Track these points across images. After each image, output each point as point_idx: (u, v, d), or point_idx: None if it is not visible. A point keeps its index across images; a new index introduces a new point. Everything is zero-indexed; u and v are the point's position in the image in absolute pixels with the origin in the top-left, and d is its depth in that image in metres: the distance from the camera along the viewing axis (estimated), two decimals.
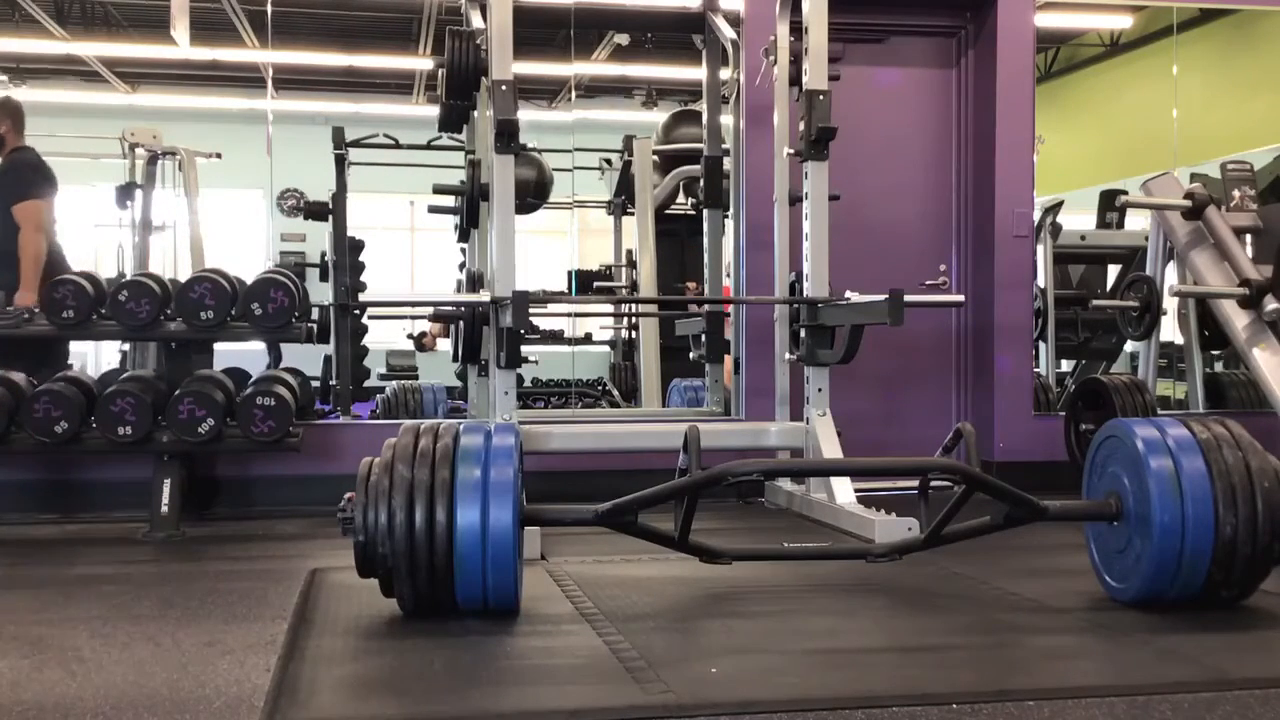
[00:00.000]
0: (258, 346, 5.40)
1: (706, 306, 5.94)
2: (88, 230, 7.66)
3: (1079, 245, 7.04)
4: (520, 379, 4.98)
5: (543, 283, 8.09)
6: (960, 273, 6.01)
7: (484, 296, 4.51)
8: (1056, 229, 6.64)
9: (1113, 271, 7.31)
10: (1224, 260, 5.22)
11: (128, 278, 4.79)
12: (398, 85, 8.60)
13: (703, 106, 5.97)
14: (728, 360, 5.78)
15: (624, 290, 7.74)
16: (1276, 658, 2.76)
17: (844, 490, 4.59)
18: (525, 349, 4.52)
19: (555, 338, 7.48)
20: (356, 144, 6.80)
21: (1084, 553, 3.38)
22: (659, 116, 7.99)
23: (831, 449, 4.68)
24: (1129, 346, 6.71)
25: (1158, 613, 3.04)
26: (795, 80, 5.05)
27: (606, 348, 8.32)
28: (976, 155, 5.95)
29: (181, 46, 6.12)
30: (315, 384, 6.26)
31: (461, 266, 6.79)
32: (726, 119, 5.82)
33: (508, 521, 2.86)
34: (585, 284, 7.94)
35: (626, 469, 4.66)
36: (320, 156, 6.71)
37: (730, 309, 5.76)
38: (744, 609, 3.25)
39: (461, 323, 5.66)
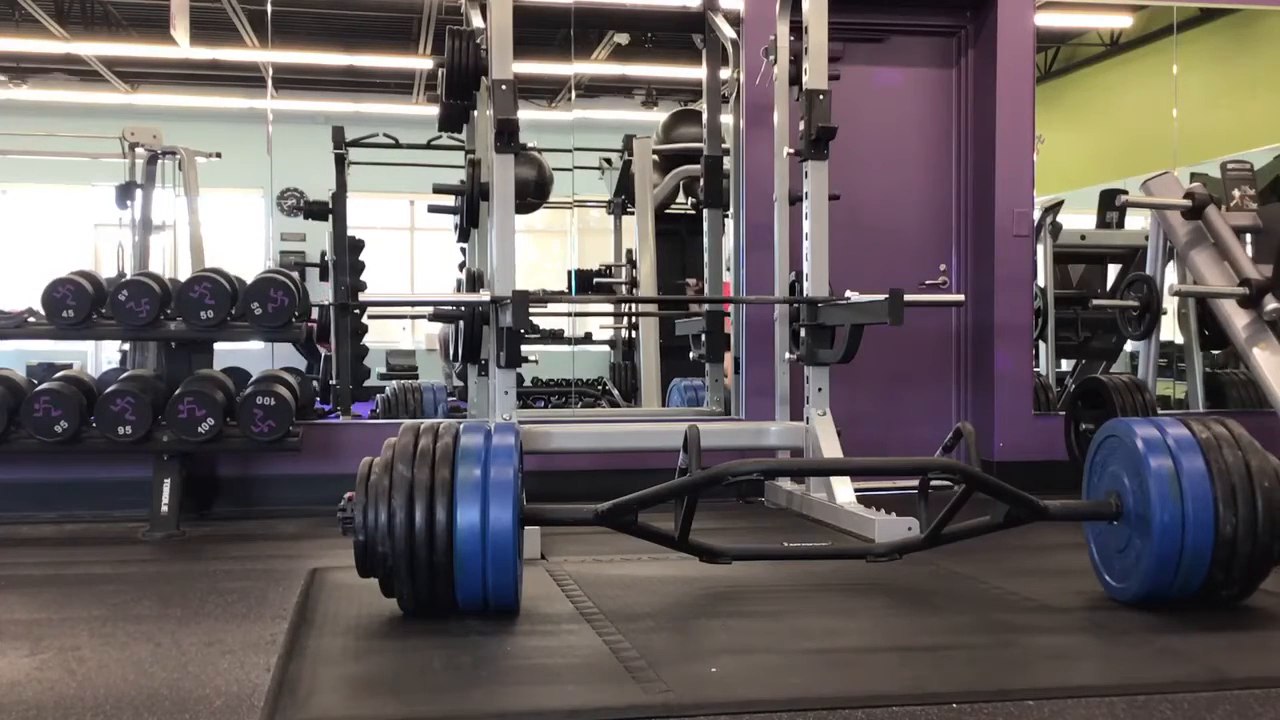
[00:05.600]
0: (257, 346, 5.40)
1: (706, 306, 5.94)
2: (88, 230, 7.66)
3: (1079, 245, 7.04)
4: (520, 378, 4.98)
5: (543, 282, 8.08)
6: (960, 272, 6.01)
7: (484, 296, 4.51)
8: (1056, 228, 6.64)
9: (1113, 271, 7.31)
10: (1224, 260, 5.22)
11: (128, 277, 4.78)
12: (398, 85, 8.59)
13: (703, 106, 5.97)
14: (728, 357, 5.78)
15: (623, 284, 7.73)
16: (1276, 658, 2.76)
17: (844, 490, 4.59)
18: (525, 348, 4.52)
19: (555, 337, 7.48)
20: (356, 144, 6.80)
21: (1084, 552, 3.38)
22: (659, 116, 7.99)
23: (831, 448, 4.68)
24: (1129, 346, 6.70)
25: (1158, 612, 3.04)
26: (795, 80, 5.05)
27: (606, 347, 8.31)
28: (976, 155, 5.95)
29: (181, 46, 6.12)
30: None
31: (461, 266, 6.79)
32: (726, 119, 5.82)
33: (508, 521, 2.86)
34: (585, 284, 7.94)
35: (626, 469, 4.66)
36: (320, 156, 6.71)
37: (730, 309, 5.76)
38: (744, 609, 3.25)
39: (460, 323, 5.67)
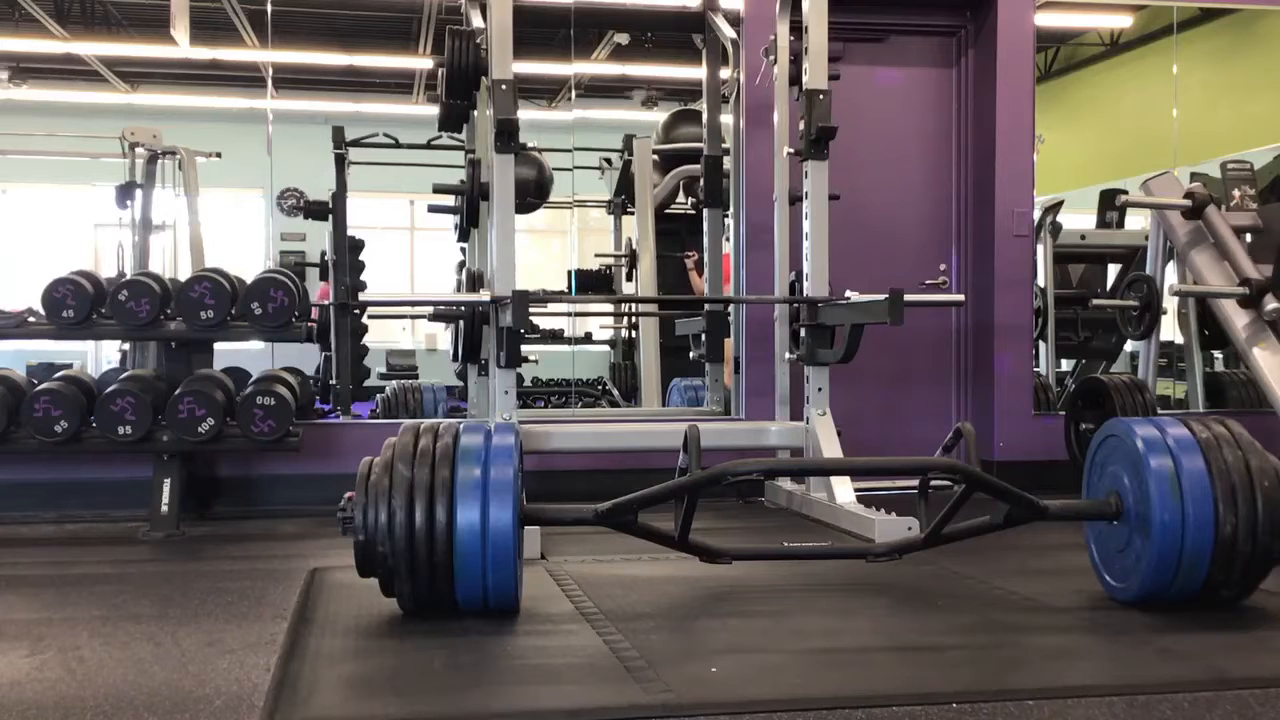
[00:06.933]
0: (257, 346, 5.40)
1: (706, 306, 5.94)
2: (88, 230, 7.67)
3: (1079, 245, 7.04)
4: (520, 378, 4.98)
5: (543, 282, 8.09)
6: (960, 272, 6.01)
7: (484, 296, 4.51)
8: (1056, 228, 6.64)
9: (1113, 271, 7.31)
10: (1224, 260, 5.22)
11: (128, 277, 4.78)
12: (398, 85, 8.59)
13: (703, 106, 5.97)
14: (728, 345, 5.77)
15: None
16: (1276, 657, 2.76)
17: (844, 490, 4.59)
18: (525, 348, 4.52)
19: (555, 337, 7.48)
20: (356, 143, 6.79)
21: (1084, 552, 3.38)
22: (659, 116, 7.99)
23: (831, 448, 4.68)
24: (1129, 346, 6.71)
25: (1158, 612, 3.04)
26: (795, 80, 5.05)
27: (606, 347, 8.32)
28: (976, 155, 5.95)
29: (181, 46, 6.12)
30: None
31: (461, 266, 6.79)
32: (726, 118, 5.82)
33: (508, 521, 2.86)
34: (585, 284, 7.94)
35: (626, 469, 4.67)
36: (320, 156, 6.70)
37: (730, 308, 5.76)
38: (744, 609, 3.25)
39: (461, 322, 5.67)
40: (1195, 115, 6.86)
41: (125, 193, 6.60)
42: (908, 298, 4.15)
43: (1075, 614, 3.12)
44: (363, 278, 7.04)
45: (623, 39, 7.44)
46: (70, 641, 2.82)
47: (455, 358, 6.19)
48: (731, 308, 5.72)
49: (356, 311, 6.67)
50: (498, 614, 2.98)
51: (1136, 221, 6.94)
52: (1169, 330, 6.35)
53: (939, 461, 3.39)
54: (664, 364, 6.99)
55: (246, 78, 7.10)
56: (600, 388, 8.06)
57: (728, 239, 5.90)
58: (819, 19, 4.80)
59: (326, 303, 6.60)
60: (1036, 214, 5.94)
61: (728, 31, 5.60)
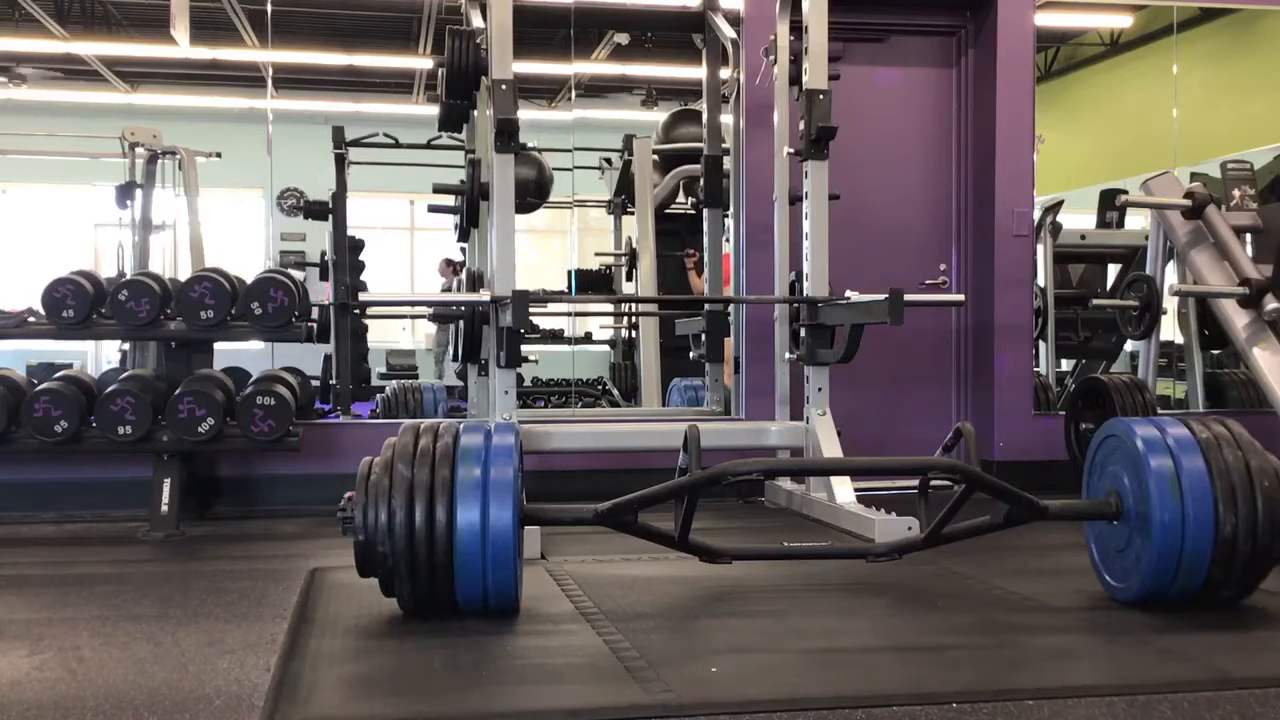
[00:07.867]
0: (257, 346, 5.40)
1: (706, 306, 5.94)
2: (88, 230, 7.67)
3: (1079, 244, 7.04)
4: (520, 378, 4.98)
5: (543, 282, 8.09)
6: (960, 272, 6.01)
7: (484, 296, 4.51)
8: (1056, 228, 6.64)
9: (1113, 271, 7.31)
10: (1224, 259, 5.22)
11: (128, 277, 4.78)
12: (398, 85, 8.59)
13: (703, 106, 5.97)
14: (728, 345, 5.76)
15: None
16: (1276, 658, 2.76)
17: (844, 490, 4.59)
18: (525, 348, 4.52)
19: (555, 337, 7.48)
20: (356, 143, 6.79)
21: (1084, 552, 3.38)
22: (659, 116, 7.99)
23: (831, 448, 4.68)
24: (1129, 346, 6.71)
25: (1158, 612, 3.04)
26: (795, 80, 5.05)
27: (606, 347, 8.31)
28: (976, 155, 5.95)
29: (181, 46, 6.12)
30: (315, 383, 6.25)
31: (460, 265, 6.80)
32: (726, 118, 5.82)
33: (508, 521, 2.86)
34: (585, 283, 7.94)
35: (626, 468, 4.67)
36: (320, 156, 6.71)
37: (730, 308, 5.76)
38: (744, 609, 3.25)
39: (460, 322, 5.67)
40: (1195, 115, 6.85)
41: (125, 193, 6.60)
42: (908, 298, 4.15)
43: (1075, 614, 3.12)
44: (363, 278, 7.04)
45: (623, 39, 7.44)
46: (70, 641, 2.82)
47: (454, 357, 6.18)
48: (731, 308, 5.71)
49: (356, 311, 6.68)
50: (498, 614, 2.98)
51: (1136, 221, 6.94)
52: (1169, 330, 6.35)
53: (939, 461, 3.39)
54: (664, 364, 6.98)
55: (246, 78, 7.10)
56: (600, 388, 8.06)
57: (728, 239, 5.90)
58: (819, 19, 4.80)
59: (326, 302, 6.60)
60: (1036, 214, 5.94)
61: (728, 31, 5.60)
